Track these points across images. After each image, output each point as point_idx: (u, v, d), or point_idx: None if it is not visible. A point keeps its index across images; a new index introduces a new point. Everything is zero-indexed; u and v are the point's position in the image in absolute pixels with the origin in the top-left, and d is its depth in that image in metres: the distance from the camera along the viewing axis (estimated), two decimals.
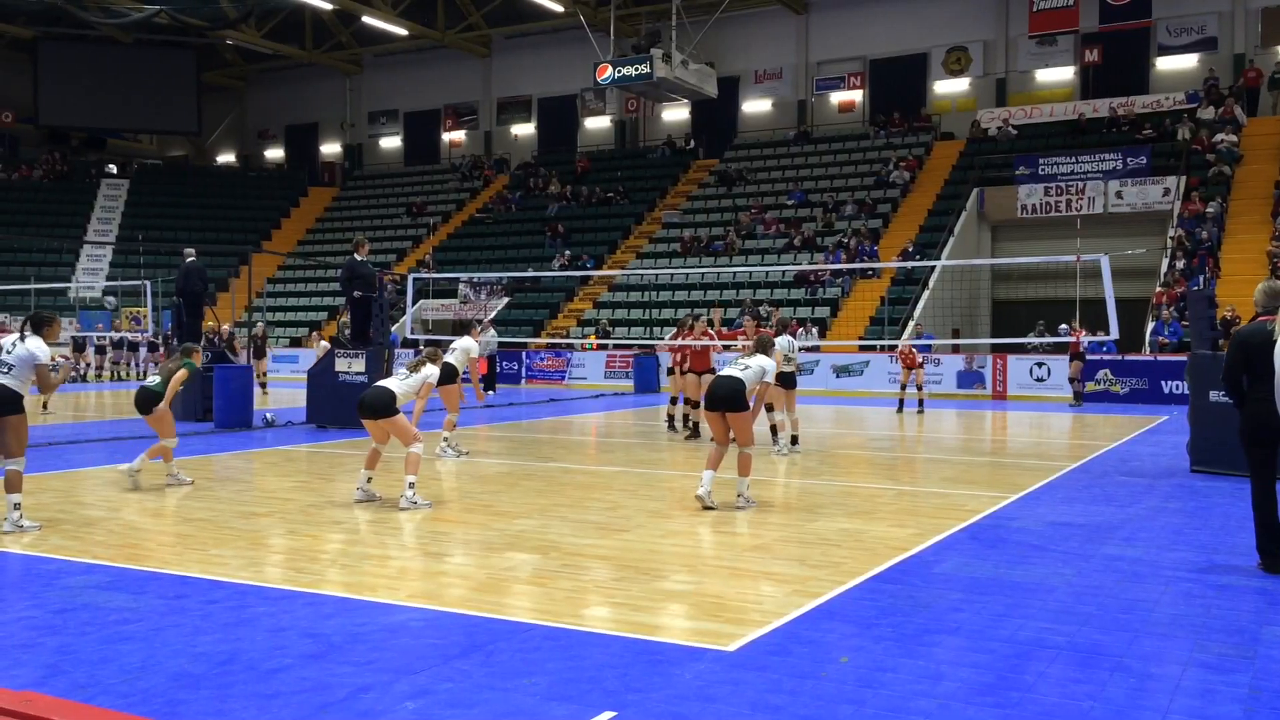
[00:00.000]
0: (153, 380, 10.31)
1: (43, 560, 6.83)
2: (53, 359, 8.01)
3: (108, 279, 37.47)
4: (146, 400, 10.04)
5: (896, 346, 23.06)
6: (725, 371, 9.06)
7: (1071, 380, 22.03)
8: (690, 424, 15.07)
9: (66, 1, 35.39)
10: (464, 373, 13.19)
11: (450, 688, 4.43)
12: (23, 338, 7.85)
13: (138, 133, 48.07)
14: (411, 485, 8.92)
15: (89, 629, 5.25)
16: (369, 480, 9.29)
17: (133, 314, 34.86)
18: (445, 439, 12.72)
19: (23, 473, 7.80)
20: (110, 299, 36.37)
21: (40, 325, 7.94)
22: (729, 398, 8.80)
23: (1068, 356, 22.30)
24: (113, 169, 44.84)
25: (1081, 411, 20.19)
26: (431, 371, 9.60)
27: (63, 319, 27.53)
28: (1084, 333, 21.08)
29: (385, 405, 9.10)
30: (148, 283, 25.05)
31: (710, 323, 15.96)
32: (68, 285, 35.58)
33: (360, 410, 9.22)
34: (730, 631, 5.25)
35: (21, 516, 7.76)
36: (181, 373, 10.13)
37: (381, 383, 9.41)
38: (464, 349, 13.20)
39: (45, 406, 20.16)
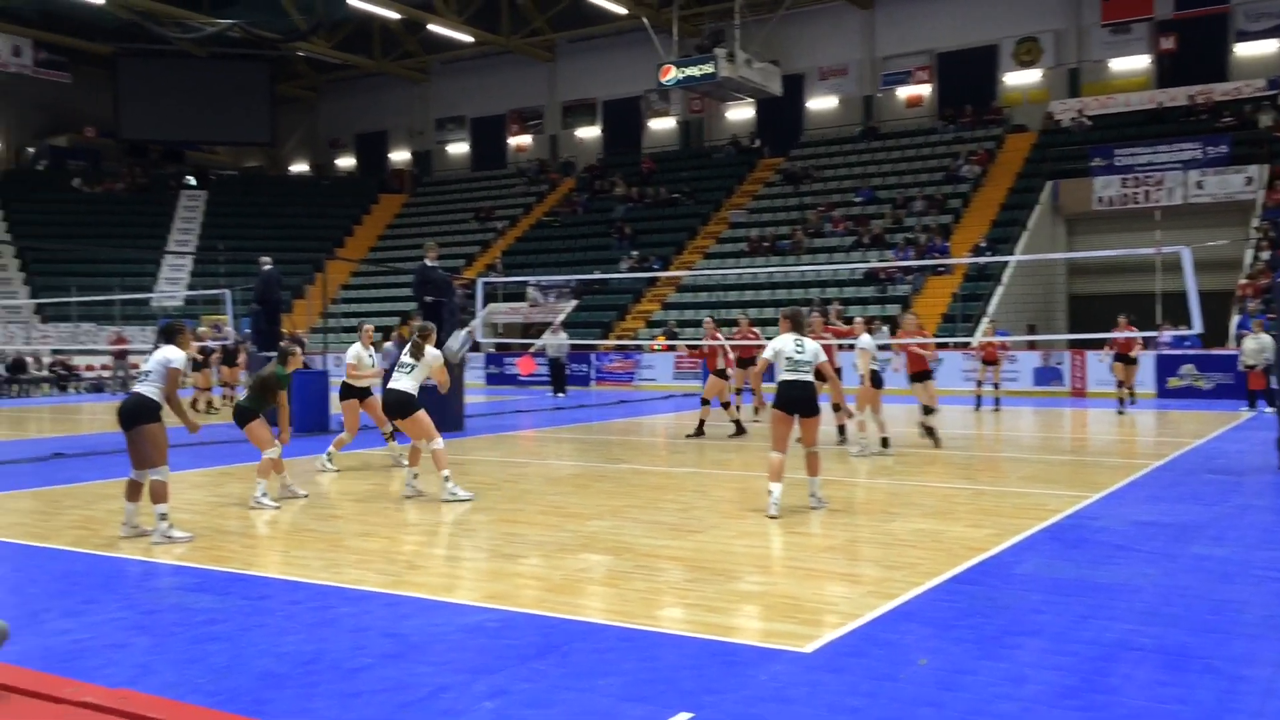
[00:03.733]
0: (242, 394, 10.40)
1: (132, 563, 7.02)
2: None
3: (188, 288, 38.41)
4: (239, 414, 9.69)
5: (970, 344, 22.74)
6: (789, 376, 8.66)
7: (1121, 385, 18.99)
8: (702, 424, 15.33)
9: (143, 18, 36.39)
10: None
11: (527, 688, 4.46)
12: (156, 347, 8.05)
13: (214, 145, 49.21)
14: (447, 479, 9.17)
15: (178, 629, 5.39)
16: (415, 476, 9.56)
17: (213, 321, 35.71)
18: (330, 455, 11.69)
19: (167, 482, 7.69)
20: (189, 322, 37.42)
21: (172, 334, 8.09)
22: (805, 401, 8.59)
23: (1111, 356, 19.39)
24: (191, 180, 45.98)
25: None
26: (435, 353, 9.67)
27: (148, 327, 28.30)
28: (1134, 329, 18.87)
29: (405, 404, 9.28)
30: (227, 291, 25.64)
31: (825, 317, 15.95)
32: (150, 295, 36.53)
33: (386, 411, 9.41)
34: (806, 633, 5.21)
35: (170, 527, 7.61)
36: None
37: (393, 383, 9.53)
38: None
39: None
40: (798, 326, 8.83)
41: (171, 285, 39.61)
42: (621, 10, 34.68)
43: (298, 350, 10.40)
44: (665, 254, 34.67)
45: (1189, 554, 6.96)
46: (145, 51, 42.67)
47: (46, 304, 35.95)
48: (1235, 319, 24.21)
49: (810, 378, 8.66)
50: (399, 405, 9.45)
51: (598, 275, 33.35)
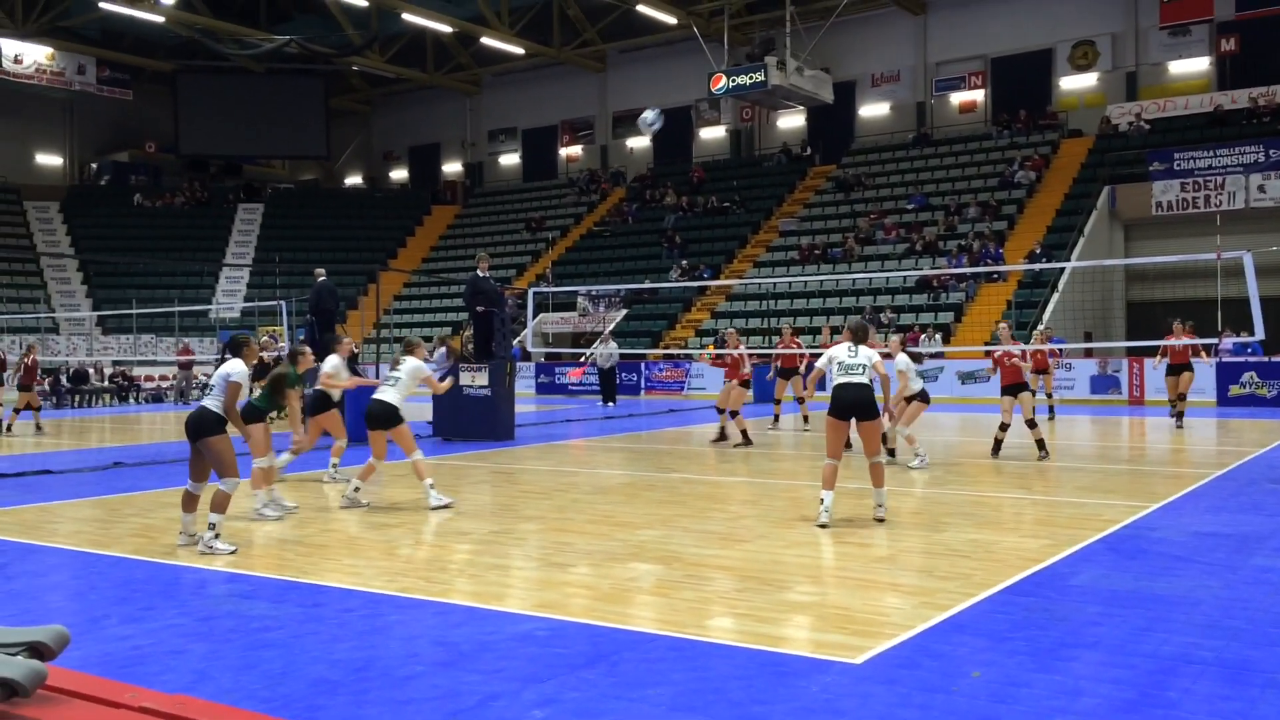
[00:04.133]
0: (256, 394, 10.39)
1: (189, 570, 7.14)
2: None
3: (245, 300, 39.09)
4: (247, 412, 9.55)
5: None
6: (842, 380, 8.56)
7: (1176, 400, 17.57)
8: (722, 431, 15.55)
9: (202, 35, 37.13)
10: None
11: (577, 697, 4.47)
12: (223, 359, 8.21)
13: (271, 159, 50.07)
14: (431, 486, 9.44)
15: (233, 636, 5.47)
16: (356, 490, 9.75)
17: (269, 333, 36.29)
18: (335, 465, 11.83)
19: (231, 494, 7.75)
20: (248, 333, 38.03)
21: (238, 347, 8.23)
22: (861, 404, 8.47)
23: (1165, 365, 17.85)
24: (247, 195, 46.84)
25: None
26: (415, 364, 9.87)
27: (206, 339, 28.81)
28: (1192, 335, 17.94)
29: (389, 416, 9.49)
30: (283, 302, 26.05)
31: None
32: (209, 307, 37.24)
33: (369, 421, 9.62)
34: (857, 644, 5.17)
35: (215, 538, 7.63)
36: (345, 377, 10.87)
37: (379, 394, 9.74)
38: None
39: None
40: (858, 338, 8.79)
41: (229, 297, 40.34)
42: (672, 20, 34.77)
43: (308, 351, 10.64)
44: (715, 263, 34.63)
45: (1251, 566, 6.80)
46: (204, 68, 43.58)
47: (108, 316, 36.79)
48: None
49: (865, 380, 8.53)
50: (384, 417, 9.64)
51: (648, 285, 33.42)
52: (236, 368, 7.90)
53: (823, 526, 8.25)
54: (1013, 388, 13.14)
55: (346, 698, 4.50)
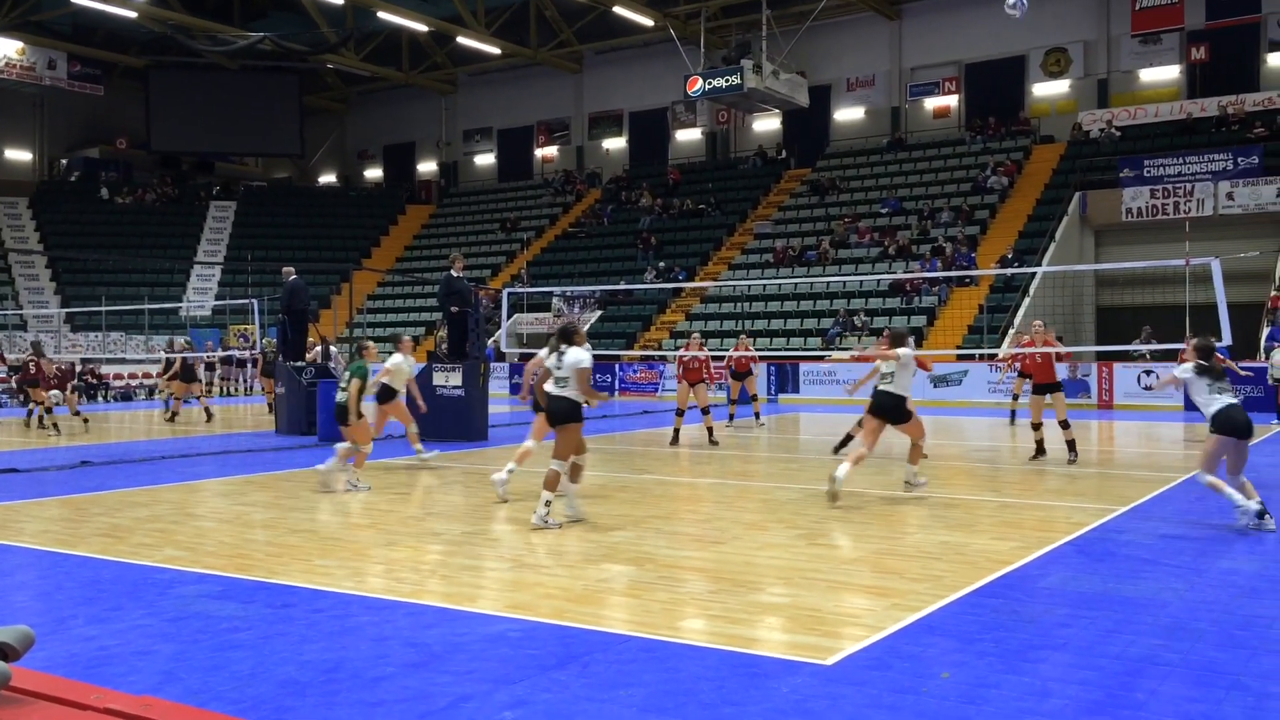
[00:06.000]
0: (341, 395, 11.01)
1: (157, 570, 7.08)
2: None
3: (216, 298, 38.79)
4: (339, 413, 10.95)
5: (996, 354, 22.61)
6: (879, 386, 10.04)
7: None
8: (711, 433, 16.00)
9: (175, 31, 36.83)
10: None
11: (548, 698, 4.46)
12: (561, 351, 8.50)
13: (244, 156, 49.70)
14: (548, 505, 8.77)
15: (201, 637, 5.43)
16: (511, 471, 10.12)
17: (240, 331, 36.02)
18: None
19: (560, 473, 8.41)
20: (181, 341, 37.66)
21: (570, 335, 8.54)
22: (893, 408, 9.84)
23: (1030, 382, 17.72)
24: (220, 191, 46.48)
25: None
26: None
27: (176, 338, 28.58)
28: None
29: (570, 411, 8.78)
30: (254, 300, 25.88)
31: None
32: (179, 305, 36.92)
33: (551, 419, 9.03)
34: (828, 645, 5.19)
35: (549, 514, 8.30)
36: (355, 383, 10.92)
37: (555, 391, 9.19)
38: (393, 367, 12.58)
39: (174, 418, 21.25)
40: (895, 344, 10.09)
41: (200, 295, 40.02)
42: (648, 22, 34.78)
43: (370, 344, 11.92)
44: (690, 265, 34.68)
45: (1216, 569, 6.88)
46: (177, 64, 43.19)
47: (77, 313, 36.41)
48: (1265, 331, 23.94)
49: (896, 389, 9.91)
50: (566, 412, 8.79)
51: (623, 286, 33.42)
52: (582, 355, 8.42)
53: (832, 482, 9.34)
54: (1044, 387, 13.15)
55: (316, 699, 4.47)
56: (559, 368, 8.54)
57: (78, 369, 31.36)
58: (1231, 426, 8.27)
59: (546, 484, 8.46)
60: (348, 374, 11.16)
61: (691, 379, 16.37)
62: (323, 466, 10.78)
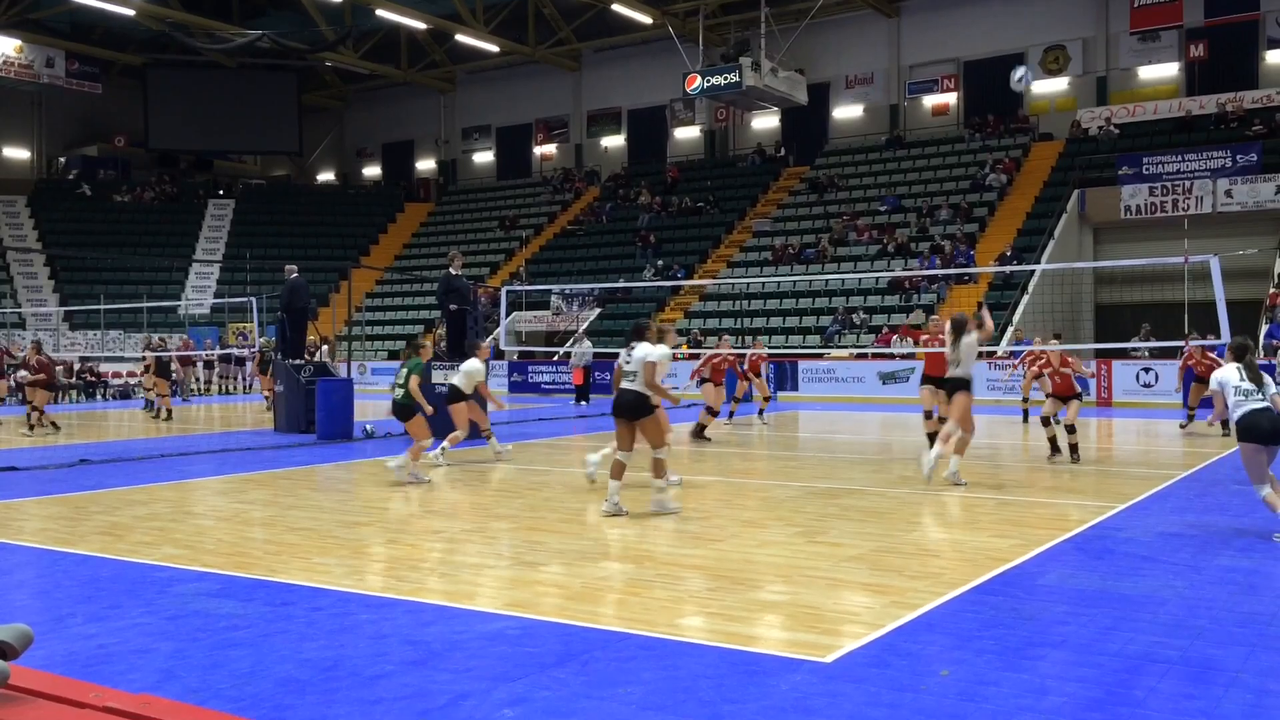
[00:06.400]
0: (398, 392, 11.35)
1: (156, 568, 7.08)
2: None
3: (215, 296, 38.76)
4: (399, 410, 11.39)
5: (1002, 351, 22.59)
6: (955, 372, 10.67)
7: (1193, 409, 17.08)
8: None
9: (174, 29, 36.79)
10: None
11: (548, 696, 4.46)
12: (631, 347, 8.81)
13: (243, 154, 49.66)
14: (662, 487, 9.21)
15: (200, 635, 5.42)
16: (597, 460, 10.74)
17: (239, 329, 36.00)
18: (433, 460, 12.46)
19: (664, 460, 8.86)
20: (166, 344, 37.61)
21: (641, 332, 8.80)
22: (956, 383, 10.60)
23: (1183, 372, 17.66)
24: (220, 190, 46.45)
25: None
26: (646, 348, 9.26)
27: (166, 336, 28.55)
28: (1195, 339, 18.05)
29: (639, 405, 9.00)
30: (253, 299, 25.86)
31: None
32: (178, 303, 36.90)
33: (623, 413, 9.17)
34: (827, 643, 5.19)
35: (619, 503, 8.76)
36: (414, 379, 11.21)
37: (625, 385, 9.29)
38: (467, 371, 13.14)
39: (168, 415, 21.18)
40: (957, 332, 10.67)
41: (199, 293, 40.00)
42: (647, 20, 34.77)
43: (426, 343, 12.25)
44: (689, 263, 34.67)
45: (1214, 566, 6.89)
46: (175, 62, 43.15)
47: (75, 311, 36.39)
48: (1264, 328, 23.96)
49: (959, 373, 10.63)
50: (635, 406, 9.03)
51: (622, 284, 33.40)
52: (654, 350, 8.69)
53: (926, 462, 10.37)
54: (1064, 397, 13.27)
55: (315, 697, 4.47)
56: (628, 362, 8.92)
57: (75, 367, 31.37)
58: (1255, 433, 7.83)
59: (654, 471, 9.02)
60: (405, 370, 11.40)
61: (718, 380, 16.83)
62: (393, 464, 11.14)
